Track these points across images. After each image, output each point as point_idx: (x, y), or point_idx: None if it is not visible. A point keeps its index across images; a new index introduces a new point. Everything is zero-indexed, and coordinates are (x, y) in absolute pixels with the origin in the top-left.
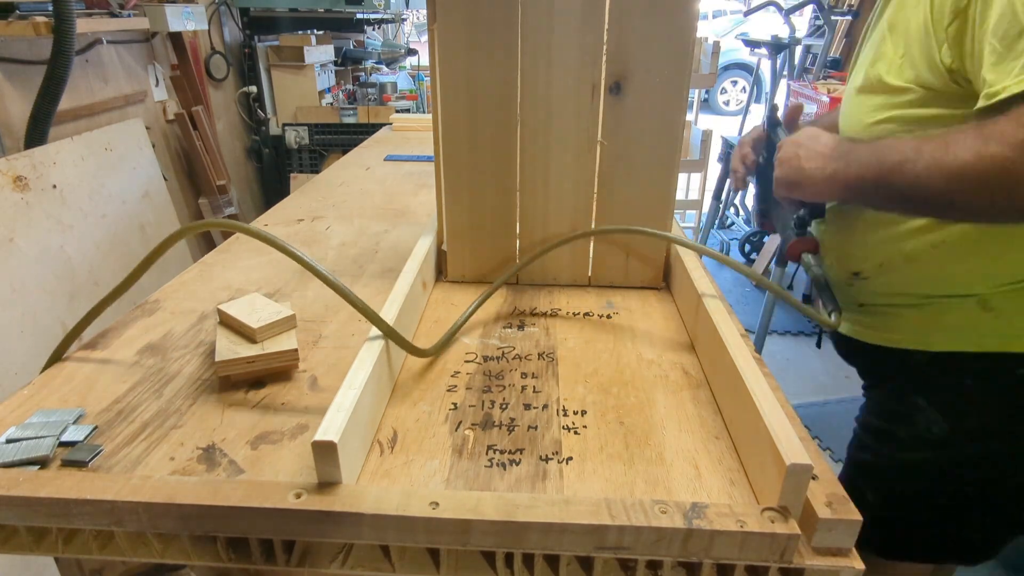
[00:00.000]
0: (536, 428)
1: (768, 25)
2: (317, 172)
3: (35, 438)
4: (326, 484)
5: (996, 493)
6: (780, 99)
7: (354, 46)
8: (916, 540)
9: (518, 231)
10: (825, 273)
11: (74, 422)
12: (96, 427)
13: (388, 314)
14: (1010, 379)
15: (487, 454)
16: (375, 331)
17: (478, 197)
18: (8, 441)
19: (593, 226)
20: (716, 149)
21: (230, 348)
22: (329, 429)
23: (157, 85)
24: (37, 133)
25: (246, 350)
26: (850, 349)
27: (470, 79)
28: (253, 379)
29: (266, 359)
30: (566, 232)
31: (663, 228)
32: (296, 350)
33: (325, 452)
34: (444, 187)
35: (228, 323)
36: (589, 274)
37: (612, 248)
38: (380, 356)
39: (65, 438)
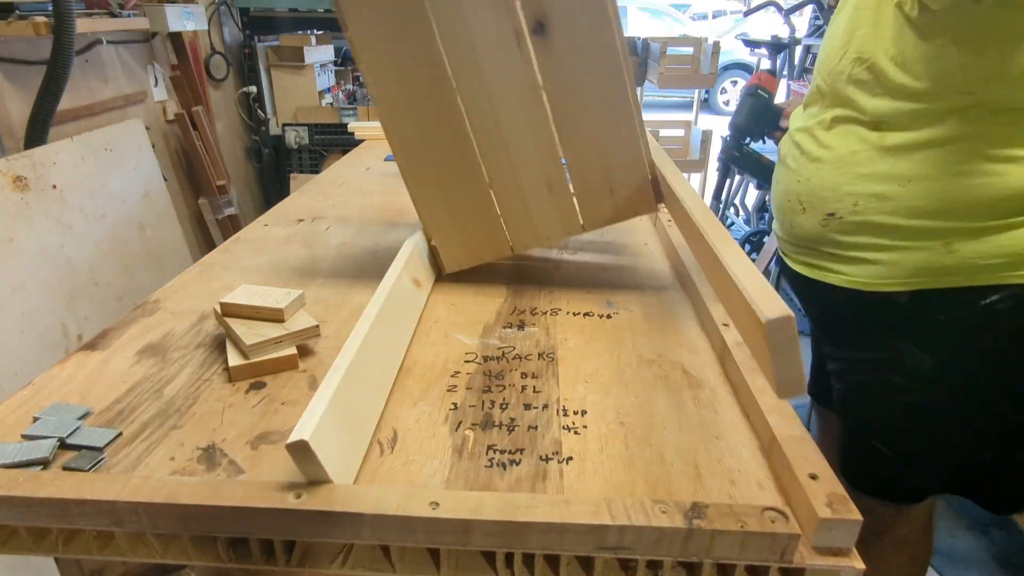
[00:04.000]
0: (536, 428)
1: (768, 25)
2: (317, 172)
3: (40, 437)
4: (321, 483)
5: (989, 420)
6: (780, 99)
7: None
8: (933, 476)
9: (495, 199)
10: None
11: (79, 417)
12: (120, 433)
13: (370, 313)
14: (976, 310)
15: (487, 454)
16: (366, 313)
17: (445, 181)
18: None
19: (568, 174)
20: (716, 149)
21: (254, 332)
22: (304, 427)
23: (157, 85)
24: (37, 133)
25: (271, 331)
26: (819, 296)
27: (399, 71)
28: (270, 367)
29: (291, 337)
30: (542, 186)
31: (638, 160)
32: (317, 326)
33: (300, 452)
34: (410, 184)
35: (236, 312)
36: (581, 222)
37: (593, 188)
38: (369, 334)
39: (84, 442)
